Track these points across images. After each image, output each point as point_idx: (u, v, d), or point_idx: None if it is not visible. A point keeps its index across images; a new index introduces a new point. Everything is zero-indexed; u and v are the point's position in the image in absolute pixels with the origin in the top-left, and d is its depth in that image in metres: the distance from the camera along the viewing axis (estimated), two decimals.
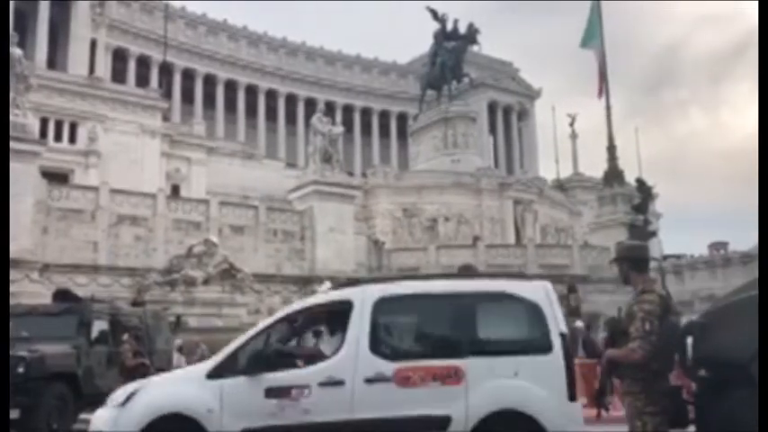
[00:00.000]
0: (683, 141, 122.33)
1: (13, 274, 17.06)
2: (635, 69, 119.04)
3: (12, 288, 15.30)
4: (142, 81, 52.56)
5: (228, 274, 24.44)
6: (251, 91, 63.85)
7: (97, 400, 10.43)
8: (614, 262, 4.63)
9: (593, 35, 35.56)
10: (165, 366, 12.38)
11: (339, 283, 6.70)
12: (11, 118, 20.43)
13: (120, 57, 55.67)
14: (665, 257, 45.82)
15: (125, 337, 10.19)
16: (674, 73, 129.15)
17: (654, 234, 36.20)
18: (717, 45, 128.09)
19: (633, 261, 4.48)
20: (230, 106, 61.92)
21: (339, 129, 33.05)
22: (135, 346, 9.88)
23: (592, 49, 36.27)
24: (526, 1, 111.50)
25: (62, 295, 11.87)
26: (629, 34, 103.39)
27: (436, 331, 5.78)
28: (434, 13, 47.85)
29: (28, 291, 19.01)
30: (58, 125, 37.01)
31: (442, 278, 6.71)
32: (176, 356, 17.46)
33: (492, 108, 68.20)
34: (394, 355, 5.41)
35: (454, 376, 5.27)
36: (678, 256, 54.11)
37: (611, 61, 36.81)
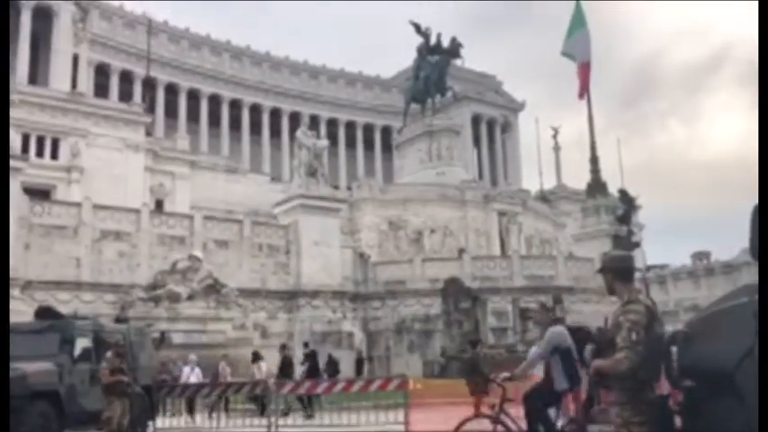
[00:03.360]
0: (664, 152, 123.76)
1: None
2: (615, 82, 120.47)
3: None
4: (125, 96, 52.33)
5: (213, 289, 24.30)
6: (235, 105, 63.79)
7: (80, 419, 10.36)
8: (600, 272, 4.64)
9: (573, 30, 36.04)
10: (150, 383, 12.24)
11: None
12: None
13: (102, 72, 55.45)
14: (649, 268, 46.20)
15: (108, 354, 10.06)
16: (654, 86, 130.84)
17: (637, 245, 36.46)
18: (693, 59, 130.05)
19: (618, 271, 4.50)
20: (214, 120, 61.78)
21: (324, 142, 33.09)
22: (114, 364, 9.70)
23: (573, 54, 36.63)
24: (509, 12, 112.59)
25: (44, 312, 11.70)
26: (608, 48, 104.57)
27: None
28: (418, 28, 48.12)
29: (10, 308, 18.75)
30: (40, 141, 36.72)
31: None
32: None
33: (476, 121, 68.61)
34: None
35: None
36: (661, 267, 54.61)
37: (591, 75, 37.19)
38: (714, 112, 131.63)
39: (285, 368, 17.16)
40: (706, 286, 47.78)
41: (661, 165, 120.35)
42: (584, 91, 36.24)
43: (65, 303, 20.85)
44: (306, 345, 19.22)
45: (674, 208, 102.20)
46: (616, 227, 35.19)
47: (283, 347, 18.48)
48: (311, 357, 17.51)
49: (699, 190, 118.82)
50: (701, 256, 56.72)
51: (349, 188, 47.03)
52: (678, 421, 4.52)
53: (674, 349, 4.68)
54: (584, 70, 35.94)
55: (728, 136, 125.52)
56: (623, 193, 37.59)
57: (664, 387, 4.76)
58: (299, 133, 31.16)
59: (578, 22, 36.56)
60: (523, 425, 6.80)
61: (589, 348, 5.38)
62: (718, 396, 4.22)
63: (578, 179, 47.63)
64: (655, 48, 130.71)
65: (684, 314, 35.81)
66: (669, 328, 4.90)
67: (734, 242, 49.16)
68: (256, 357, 17.90)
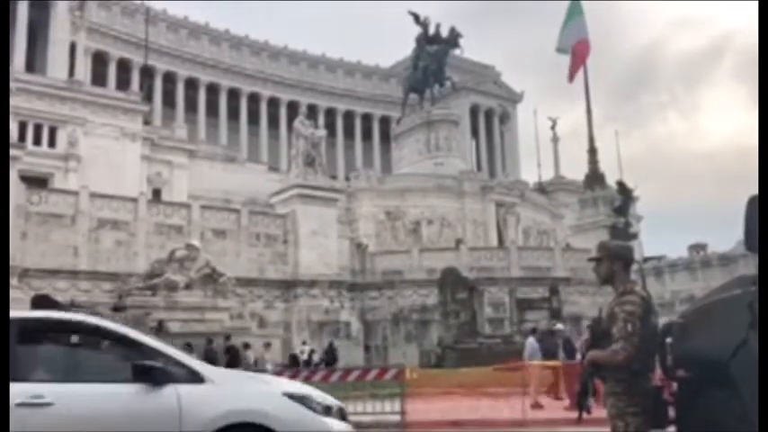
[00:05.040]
0: (662, 144, 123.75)
1: None
2: (614, 74, 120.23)
3: None
4: (123, 84, 52.16)
5: (210, 278, 24.31)
6: (233, 94, 63.61)
7: None
8: (601, 260, 4.51)
9: (568, 24, 36.06)
10: None
11: None
12: None
13: (100, 60, 55.21)
14: (646, 259, 46.26)
15: None
16: (652, 77, 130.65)
17: (635, 236, 36.53)
18: (692, 50, 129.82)
19: (622, 260, 4.43)
20: (212, 109, 61.62)
21: (322, 132, 33.08)
22: None
23: (568, 48, 36.64)
24: (508, 2, 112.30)
25: (41, 301, 11.68)
26: (606, 41, 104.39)
27: None
28: (416, 17, 47.97)
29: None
30: (38, 129, 36.60)
31: None
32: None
33: (474, 111, 68.49)
34: None
35: None
36: (658, 258, 54.68)
37: (589, 66, 37.16)
38: (712, 104, 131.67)
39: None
40: (702, 278, 47.87)
41: (659, 156, 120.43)
42: (577, 69, 36.21)
43: (62, 292, 20.90)
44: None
45: (672, 200, 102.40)
46: (613, 218, 35.23)
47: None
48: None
49: (696, 182, 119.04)
50: (697, 247, 56.82)
51: (347, 178, 47.01)
52: (672, 412, 4.53)
53: (668, 340, 4.69)
54: (582, 48, 35.94)
55: (726, 128, 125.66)
56: (621, 185, 37.57)
57: (658, 378, 4.78)
58: (296, 123, 31.12)
59: (574, 14, 36.51)
60: None
61: (583, 339, 5.40)
62: (713, 387, 4.25)
63: (576, 171, 47.70)
64: (653, 39, 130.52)
65: (681, 305, 35.90)
66: (664, 319, 4.91)
67: (731, 234, 49.18)
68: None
